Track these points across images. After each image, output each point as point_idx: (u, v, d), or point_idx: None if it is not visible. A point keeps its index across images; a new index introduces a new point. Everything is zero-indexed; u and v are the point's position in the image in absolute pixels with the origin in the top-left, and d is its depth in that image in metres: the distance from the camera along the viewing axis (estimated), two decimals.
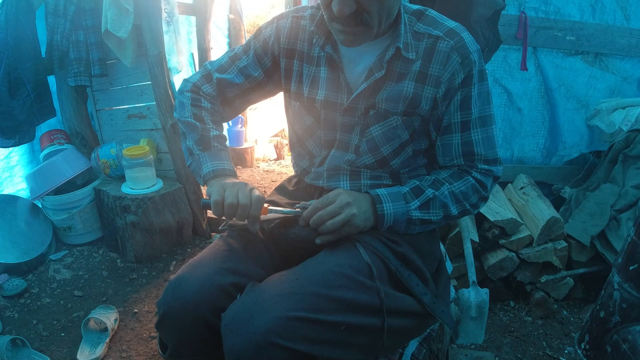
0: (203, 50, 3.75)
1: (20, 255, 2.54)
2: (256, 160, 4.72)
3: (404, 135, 1.19)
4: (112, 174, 2.84)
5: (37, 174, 2.73)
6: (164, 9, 2.76)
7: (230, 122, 4.19)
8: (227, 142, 1.33)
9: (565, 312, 2.40)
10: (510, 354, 2.11)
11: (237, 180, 1.16)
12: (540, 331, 2.27)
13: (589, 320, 1.65)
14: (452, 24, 1.15)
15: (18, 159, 2.91)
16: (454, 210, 1.17)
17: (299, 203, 1.20)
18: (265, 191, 3.70)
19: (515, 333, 2.26)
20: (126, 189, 2.68)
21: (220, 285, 1.05)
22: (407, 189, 1.16)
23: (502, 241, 2.33)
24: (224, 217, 1.12)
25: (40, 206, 2.82)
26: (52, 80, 2.90)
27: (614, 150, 2.47)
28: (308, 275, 1.02)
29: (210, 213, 3.02)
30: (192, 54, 3.79)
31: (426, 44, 1.14)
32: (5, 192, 2.80)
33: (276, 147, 5.01)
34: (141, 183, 2.68)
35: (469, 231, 2.25)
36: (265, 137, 5.18)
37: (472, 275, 2.14)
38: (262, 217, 1.15)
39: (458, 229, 2.29)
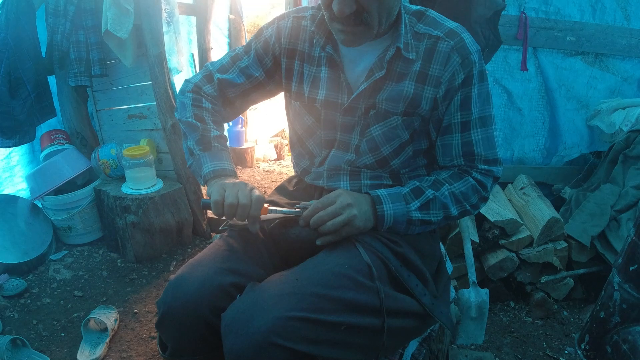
0: (203, 51, 3.75)
1: (21, 255, 2.54)
2: (256, 161, 4.72)
3: (404, 136, 1.19)
4: (113, 174, 2.84)
5: (37, 174, 2.73)
6: (164, 9, 2.76)
7: (230, 123, 4.19)
8: (228, 143, 1.33)
9: (565, 313, 2.40)
10: (510, 355, 2.11)
11: (237, 181, 1.16)
12: (541, 331, 2.27)
13: (589, 320, 1.66)
14: (452, 24, 1.16)
15: (18, 159, 2.91)
16: (454, 211, 1.17)
17: (299, 203, 1.20)
18: (265, 191, 3.70)
19: (516, 333, 2.26)
20: (126, 189, 2.68)
21: (220, 285, 1.05)
22: (407, 189, 1.16)
23: (502, 241, 2.33)
24: (224, 217, 1.12)
25: (41, 206, 2.83)
26: (52, 80, 2.90)
27: (614, 150, 2.47)
28: (308, 275, 1.02)
29: (210, 213, 3.02)
30: (193, 54, 3.79)
31: (426, 44, 1.14)
32: (6, 192, 2.80)
33: (276, 147, 5.01)
34: (141, 183, 2.68)
35: (469, 231, 2.24)
36: (265, 137, 5.19)
37: (472, 276, 2.14)
38: (262, 217, 1.16)
39: (458, 229, 2.29)
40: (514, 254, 2.31)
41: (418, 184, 1.18)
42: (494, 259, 2.33)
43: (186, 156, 1.29)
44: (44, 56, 2.72)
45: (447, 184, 1.17)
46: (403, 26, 1.13)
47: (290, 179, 1.45)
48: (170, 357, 1.12)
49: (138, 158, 2.62)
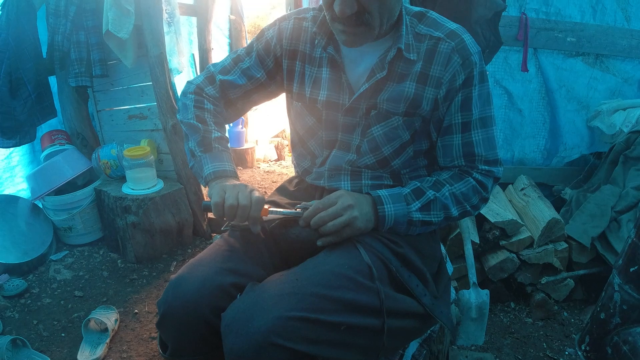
0: (204, 51, 3.76)
1: (21, 255, 2.54)
2: (257, 161, 4.72)
3: (405, 136, 1.20)
4: (113, 175, 2.84)
5: (37, 174, 2.74)
6: (165, 10, 2.76)
7: (230, 123, 4.20)
8: (229, 143, 1.33)
9: (565, 314, 2.40)
10: (510, 355, 2.11)
11: (237, 182, 1.17)
12: (541, 332, 2.27)
13: (590, 321, 1.65)
14: (453, 25, 1.16)
15: (19, 159, 2.91)
16: (454, 212, 1.17)
17: (300, 204, 1.20)
18: (265, 192, 3.70)
19: (516, 334, 2.25)
20: (127, 189, 2.68)
21: (221, 285, 1.06)
22: (408, 190, 1.16)
23: (502, 242, 2.33)
24: (225, 219, 1.12)
25: (41, 206, 2.83)
26: (53, 80, 2.90)
27: (615, 151, 2.47)
28: (308, 275, 1.02)
29: (211, 214, 3.03)
30: (193, 54, 3.79)
31: (427, 45, 1.14)
32: (6, 192, 2.80)
33: (277, 147, 5.01)
34: (142, 184, 2.68)
35: (470, 232, 2.24)
36: (265, 137, 5.19)
37: (473, 277, 2.14)
38: (263, 218, 1.16)
39: (458, 230, 2.29)
40: (514, 255, 2.31)
41: (419, 184, 1.18)
42: (494, 259, 2.33)
43: (188, 157, 1.29)
44: (44, 56, 2.73)
45: (447, 185, 1.17)
46: (404, 27, 1.14)
47: (291, 180, 1.46)
48: (171, 357, 1.12)
49: (138, 158, 2.62)
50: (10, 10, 2.50)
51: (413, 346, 1.33)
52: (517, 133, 2.77)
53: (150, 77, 2.71)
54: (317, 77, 1.25)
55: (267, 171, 4.49)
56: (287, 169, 4.56)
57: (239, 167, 4.43)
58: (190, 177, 2.87)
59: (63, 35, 2.65)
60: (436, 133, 1.22)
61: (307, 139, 1.33)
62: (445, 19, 1.18)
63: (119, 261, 2.70)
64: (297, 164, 1.41)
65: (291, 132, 1.43)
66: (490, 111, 1.19)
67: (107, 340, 2.00)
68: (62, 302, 2.34)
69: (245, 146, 4.56)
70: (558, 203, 2.64)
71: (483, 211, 2.34)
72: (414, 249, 1.18)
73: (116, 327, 2.11)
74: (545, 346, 2.18)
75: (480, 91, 1.16)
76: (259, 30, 1.36)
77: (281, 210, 1.19)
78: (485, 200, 1.23)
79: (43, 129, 2.96)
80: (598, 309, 1.60)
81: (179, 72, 3.05)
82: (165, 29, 2.74)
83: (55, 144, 2.90)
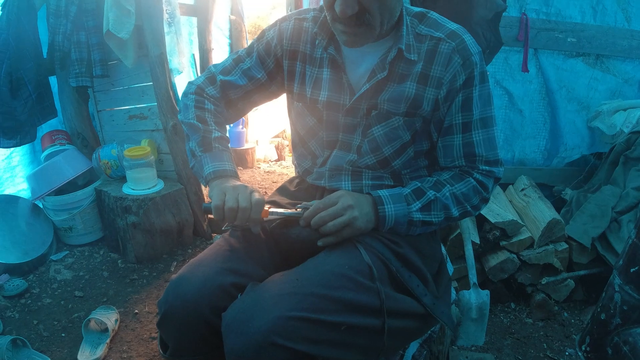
0: (204, 51, 3.76)
1: (21, 255, 2.54)
2: (257, 161, 4.72)
3: (406, 136, 1.20)
4: (113, 175, 2.84)
5: (38, 174, 2.74)
6: (166, 10, 2.76)
7: (231, 124, 4.20)
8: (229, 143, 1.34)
9: (566, 314, 2.40)
10: (510, 356, 2.11)
11: (238, 183, 1.17)
12: (541, 333, 2.27)
13: (590, 322, 1.65)
14: (453, 26, 1.16)
15: (19, 159, 2.91)
16: (455, 212, 1.17)
17: (300, 204, 1.20)
18: (266, 192, 3.70)
19: (516, 335, 2.25)
20: (127, 189, 2.68)
21: (221, 285, 1.06)
22: (409, 190, 1.16)
23: (502, 243, 2.33)
24: (225, 220, 1.12)
25: (41, 206, 2.83)
26: (53, 80, 2.90)
27: (615, 152, 2.47)
28: (308, 275, 1.03)
29: (212, 216, 3.03)
30: (194, 55, 3.80)
31: (428, 45, 1.14)
32: (7, 192, 2.80)
33: (277, 148, 5.01)
34: (142, 184, 2.68)
35: (470, 232, 2.24)
36: (266, 138, 5.19)
37: (473, 277, 2.14)
38: (263, 218, 1.16)
39: (459, 230, 2.29)
40: (514, 255, 2.31)
41: (419, 184, 1.18)
42: (494, 260, 2.33)
43: (189, 157, 1.29)
44: (45, 57, 2.73)
45: (448, 185, 1.17)
46: (405, 28, 1.14)
47: (291, 180, 1.46)
48: (171, 356, 1.12)
49: (139, 159, 2.62)
50: (11, 10, 2.50)
51: (413, 347, 1.33)
52: (517, 133, 2.77)
53: (151, 77, 2.71)
54: (317, 77, 1.25)
55: (268, 171, 4.49)
56: (287, 169, 4.56)
57: (239, 168, 4.43)
58: (191, 177, 2.87)
59: (64, 36, 2.65)
60: (437, 133, 1.22)
61: (307, 139, 1.33)
62: (445, 19, 1.19)
63: (119, 261, 2.70)
64: (297, 164, 1.41)
65: (292, 132, 1.43)
66: (491, 111, 1.19)
67: (108, 341, 2.00)
68: (62, 302, 2.34)
69: (246, 146, 4.56)
70: (558, 203, 2.64)
71: (483, 211, 2.34)
72: (415, 249, 1.18)
73: (116, 327, 2.11)
74: (545, 347, 2.18)
75: (481, 91, 1.16)
76: (260, 31, 1.37)
77: (282, 210, 1.19)
78: (485, 200, 1.23)
79: (43, 129, 2.96)
80: (598, 310, 1.60)
81: (180, 73, 3.05)
82: (166, 29, 2.75)
83: (55, 144, 2.90)
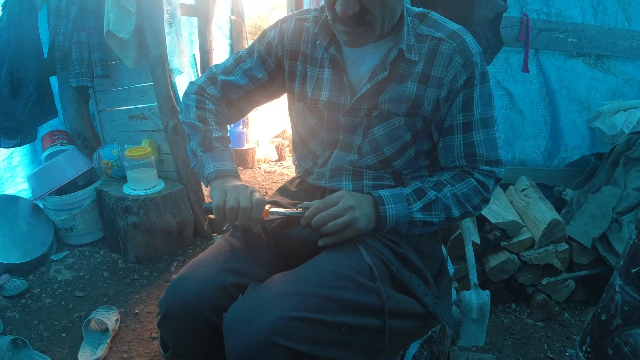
0: (205, 52, 3.76)
1: (22, 255, 2.54)
2: (257, 162, 4.73)
3: (406, 136, 1.20)
4: (114, 175, 2.84)
5: (38, 174, 2.74)
6: (166, 10, 2.76)
7: (232, 124, 4.21)
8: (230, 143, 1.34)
9: (566, 315, 2.40)
10: (511, 356, 2.11)
11: (239, 183, 1.17)
12: (542, 333, 2.27)
13: (590, 322, 1.65)
14: (454, 26, 1.16)
15: (20, 160, 2.91)
16: (455, 212, 1.17)
17: (301, 204, 1.20)
18: (266, 192, 3.70)
19: (517, 335, 2.25)
20: (127, 189, 2.68)
21: (222, 285, 1.06)
22: (410, 190, 1.16)
23: (503, 243, 2.33)
24: (226, 221, 1.12)
25: (42, 206, 2.83)
26: (54, 80, 2.91)
27: (616, 152, 2.47)
28: (309, 276, 1.03)
29: (212, 216, 3.03)
30: (194, 55, 3.80)
31: (429, 46, 1.14)
32: (7, 192, 2.80)
33: (277, 148, 5.01)
34: (143, 184, 2.68)
35: (470, 233, 2.24)
36: (266, 138, 5.19)
37: (474, 277, 2.14)
38: (264, 218, 1.16)
39: (459, 230, 2.29)
40: (515, 256, 2.31)
41: (420, 184, 1.18)
42: (495, 260, 2.33)
43: (190, 157, 1.29)
44: (45, 57, 2.73)
45: (449, 185, 1.17)
46: (405, 28, 1.14)
47: (292, 180, 1.46)
48: (172, 356, 1.12)
49: (139, 159, 2.62)
50: (12, 10, 2.50)
51: (414, 347, 1.33)
52: (518, 134, 2.77)
53: (152, 77, 2.71)
54: (318, 77, 1.25)
55: (268, 171, 4.49)
56: (287, 170, 4.56)
57: (240, 168, 4.43)
58: (191, 178, 2.87)
59: (64, 36, 2.65)
60: (437, 134, 1.22)
61: (308, 139, 1.33)
62: (446, 19, 1.19)
63: (119, 261, 2.70)
64: (298, 164, 1.41)
65: (293, 132, 1.43)
66: (492, 112, 1.19)
67: (108, 341, 2.00)
68: (62, 302, 2.34)
69: (246, 146, 4.56)
70: (559, 204, 2.64)
71: (484, 212, 2.34)
72: (415, 250, 1.18)
73: (117, 328, 2.11)
74: (546, 347, 2.18)
75: (482, 92, 1.16)
76: (260, 31, 1.37)
77: (282, 210, 1.19)
78: (486, 200, 1.23)
79: (44, 129, 2.96)
80: (599, 310, 1.60)
81: (180, 73, 3.05)
82: (167, 29, 2.75)
83: (56, 144, 2.90)
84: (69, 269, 2.60)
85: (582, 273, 2.38)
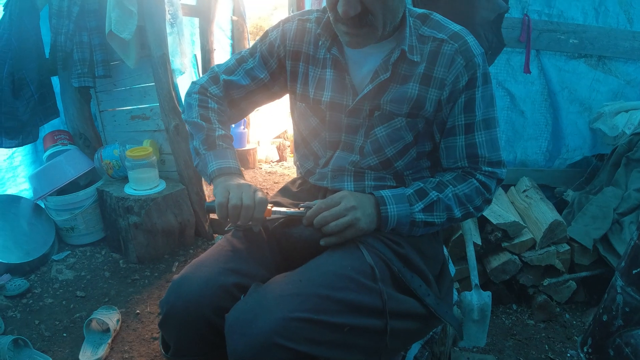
0: (206, 52, 3.76)
1: (23, 255, 2.55)
2: (258, 162, 4.73)
3: (408, 137, 1.20)
4: (115, 175, 2.85)
5: (40, 174, 2.74)
6: (168, 11, 2.77)
7: (233, 124, 4.21)
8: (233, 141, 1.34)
9: (567, 316, 2.39)
10: (512, 357, 2.11)
11: (242, 182, 1.17)
12: (543, 334, 2.27)
13: (592, 323, 1.65)
14: (456, 27, 1.16)
15: (21, 159, 2.92)
16: (457, 213, 1.17)
17: (303, 204, 1.20)
18: (267, 193, 3.70)
19: (518, 336, 2.25)
20: (129, 190, 2.69)
21: (223, 286, 1.06)
22: (412, 190, 1.16)
23: (504, 244, 2.33)
24: (228, 220, 1.12)
25: (43, 206, 2.83)
26: (55, 81, 2.91)
27: (617, 153, 2.47)
28: (311, 276, 1.03)
29: (214, 215, 3.03)
30: (195, 55, 3.80)
31: (431, 47, 1.14)
32: (9, 192, 2.81)
33: (278, 148, 5.02)
34: (144, 184, 2.69)
35: (472, 234, 2.24)
36: (267, 138, 5.20)
37: (475, 278, 2.14)
38: (266, 218, 1.16)
39: (461, 231, 2.29)
40: (516, 257, 2.31)
41: (422, 185, 1.18)
42: (496, 261, 2.33)
43: (193, 156, 1.29)
44: (47, 57, 2.73)
45: (451, 186, 1.17)
46: (408, 29, 1.14)
47: (294, 181, 1.46)
48: (173, 357, 1.12)
49: (141, 159, 2.62)
50: (13, 10, 2.51)
51: (415, 348, 1.33)
52: (519, 135, 2.77)
53: (153, 77, 2.71)
54: (321, 78, 1.26)
55: (269, 172, 4.50)
56: (288, 170, 4.56)
57: (241, 168, 4.43)
58: (193, 178, 2.87)
59: (66, 36, 2.65)
60: (439, 134, 1.22)
61: (310, 139, 1.33)
62: (448, 20, 1.19)
63: (120, 261, 2.70)
64: (300, 164, 1.41)
65: (294, 133, 1.43)
66: (494, 113, 1.19)
67: (109, 341, 2.00)
68: (64, 302, 2.34)
69: (247, 147, 4.57)
70: (560, 205, 2.64)
71: (485, 213, 2.33)
72: (417, 250, 1.18)
73: (118, 328, 2.11)
74: (547, 348, 2.18)
75: (484, 93, 1.16)
76: (261, 31, 1.37)
77: (284, 209, 1.19)
78: (488, 201, 1.22)
79: (45, 129, 2.97)
80: (600, 311, 1.60)
81: (182, 73, 3.05)
82: (168, 29, 2.75)
83: (57, 144, 2.90)
84: (70, 269, 2.61)
85: (584, 274, 2.38)
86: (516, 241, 2.31)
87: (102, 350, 1.94)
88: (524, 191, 2.64)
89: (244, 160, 4.49)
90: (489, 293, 2.11)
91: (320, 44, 1.24)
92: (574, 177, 2.78)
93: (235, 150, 1.31)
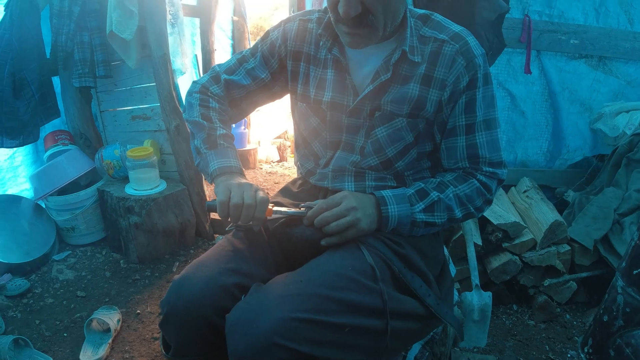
0: (207, 52, 3.76)
1: (24, 255, 2.55)
2: (259, 162, 4.73)
3: (409, 138, 1.20)
4: (116, 175, 2.85)
5: (41, 174, 2.74)
6: (169, 11, 2.77)
7: (234, 124, 4.21)
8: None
9: (568, 316, 2.39)
10: (512, 358, 2.11)
11: (243, 181, 1.17)
12: (543, 335, 2.27)
13: (592, 324, 1.65)
14: (457, 28, 1.16)
15: (22, 159, 2.92)
16: (458, 213, 1.17)
17: (304, 204, 1.20)
18: (268, 193, 3.70)
19: (518, 337, 2.25)
20: (130, 190, 2.69)
21: (224, 286, 1.06)
22: (412, 191, 1.16)
23: (505, 244, 2.33)
24: (229, 220, 1.12)
25: (44, 206, 2.83)
26: (56, 81, 2.91)
27: (618, 154, 2.47)
28: (312, 276, 1.03)
29: (214, 215, 3.03)
30: (196, 55, 3.80)
31: (432, 47, 1.15)
32: (9, 192, 2.81)
33: (279, 148, 5.02)
34: (145, 184, 2.69)
35: (472, 234, 2.24)
36: (268, 138, 5.20)
37: (475, 279, 2.14)
38: (267, 217, 1.16)
39: (461, 232, 2.29)
40: (517, 257, 2.31)
41: (423, 185, 1.18)
42: (497, 262, 2.33)
43: (194, 155, 1.29)
44: (48, 57, 2.73)
45: (451, 186, 1.17)
46: (409, 29, 1.14)
47: (294, 181, 1.46)
48: (173, 357, 1.12)
49: (141, 159, 2.62)
50: (14, 10, 2.51)
51: (415, 348, 1.33)
52: (520, 135, 2.77)
53: (154, 78, 2.71)
54: (321, 78, 1.26)
55: (270, 172, 4.50)
56: (289, 170, 4.56)
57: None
58: (193, 178, 2.87)
59: (67, 36, 2.66)
60: (440, 135, 1.22)
61: (311, 140, 1.33)
62: (449, 21, 1.19)
63: (121, 261, 2.70)
64: (300, 165, 1.41)
65: (295, 133, 1.43)
66: (494, 113, 1.19)
67: (110, 341, 2.00)
68: (64, 302, 2.34)
69: (248, 147, 4.57)
70: (561, 205, 2.64)
71: (486, 213, 2.33)
72: (417, 250, 1.18)
73: (118, 328, 2.11)
74: (547, 349, 2.18)
75: (485, 93, 1.16)
76: (262, 32, 1.38)
77: (285, 209, 1.19)
78: (489, 202, 1.23)
79: (46, 129, 2.97)
80: (601, 312, 1.60)
81: (182, 73, 3.05)
82: (169, 30, 2.75)
83: (58, 144, 2.90)
84: (70, 269, 2.61)
85: (584, 274, 2.38)
86: (517, 241, 2.31)
87: (103, 350, 1.94)
88: (525, 191, 2.63)
89: (245, 160, 4.49)
90: (489, 293, 2.11)
91: (321, 44, 1.24)
92: (575, 177, 2.78)
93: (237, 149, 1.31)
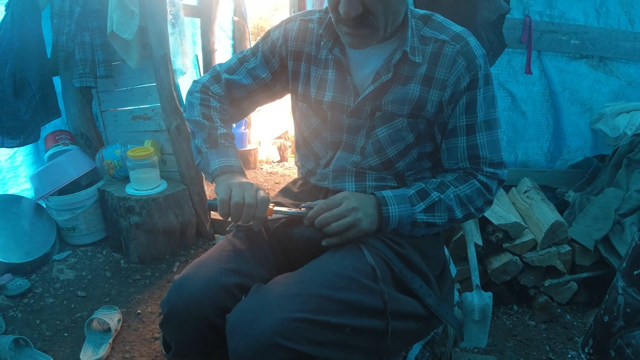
0: (207, 52, 3.76)
1: (24, 255, 2.55)
2: (259, 162, 4.73)
3: (409, 138, 1.20)
4: (117, 175, 2.85)
5: (41, 174, 2.74)
6: (169, 11, 2.77)
7: (234, 124, 4.21)
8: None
9: (568, 317, 2.39)
10: (513, 358, 2.11)
11: (244, 180, 1.17)
12: (544, 335, 2.27)
13: (593, 324, 1.65)
14: (458, 28, 1.16)
15: (22, 159, 2.92)
16: (458, 214, 1.17)
17: (304, 204, 1.20)
18: (268, 193, 3.70)
19: (519, 337, 2.25)
20: (130, 190, 2.69)
21: (224, 286, 1.06)
22: (413, 191, 1.16)
23: (505, 245, 2.33)
24: (229, 219, 1.12)
25: (45, 206, 2.83)
26: (57, 81, 2.91)
27: (618, 154, 2.46)
28: (312, 276, 1.03)
29: (214, 214, 3.03)
30: (197, 55, 3.80)
31: (432, 48, 1.15)
32: (10, 192, 2.81)
33: (279, 149, 5.02)
34: (145, 184, 2.69)
35: (473, 234, 2.24)
36: (268, 139, 5.20)
37: (476, 279, 2.14)
38: (267, 217, 1.16)
39: (462, 232, 2.28)
40: (517, 258, 2.31)
41: (423, 185, 1.18)
42: (497, 262, 2.32)
43: (194, 155, 1.29)
44: (49, 57, 2.73)
45: (452, 187, 1.17)
46: (410, 30, 1.14)
47: (295, 181, 1.46)
48: (174, 357, 1.12)
49: (142, 159, 2.62)
50: (15, 10, 2.51)
51: (416, 348, 1.33)
52: (520, 135, 2.77)
53: (155, 78, 2.72)
54: (322, 78, 1.26)
55: (270, 172, 4.50)
56: (289, 170, 4.56)
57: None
58: (194, 178, 2.87)
59: (67, 36, 2.66)
60: (440, 135, 1.22)
61: (311, 140, 1.33)
62: (450, 21, 1.19)
63: (121, 261, 2.70)
64: (301, 165, 1.41)
65: (295, 133, 1.44)
66: (495, 114, 1.19)
67: (110, 341, 2.00)
68: (65, 302, 2.34)
69: (248, 147, 4.57)
70: (561, 206, 2.63)
71: (486, 213, 2.33)
72: (418, 251, 1.18)
73: (119, 327, 2.11)
74: (548, 349, 2.18)
75: (485, 94, 1.16)
76: (262, 32, 1.38)
77: (286, 209, 1.19)
78: (489, 202, 1.23)
79: (47, 129, 2.97)
80: (601, 312, 1.60)
81: (183, 73, 3.05)
82: (170, 30, 2.75)
83: (59, 144, 2.91)
84: (71, 269, 2.61)
85: (585, 275, 2.38)
86: (517, 242, 2.31)
87: (103, 350, 1.94)
88: (525, 192, 2.63)
89: (245, 160, 4.49)
90: (490, 294, 2.11)
91: (322, 44, 1.24)
92: (575, 178, 2.78)
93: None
